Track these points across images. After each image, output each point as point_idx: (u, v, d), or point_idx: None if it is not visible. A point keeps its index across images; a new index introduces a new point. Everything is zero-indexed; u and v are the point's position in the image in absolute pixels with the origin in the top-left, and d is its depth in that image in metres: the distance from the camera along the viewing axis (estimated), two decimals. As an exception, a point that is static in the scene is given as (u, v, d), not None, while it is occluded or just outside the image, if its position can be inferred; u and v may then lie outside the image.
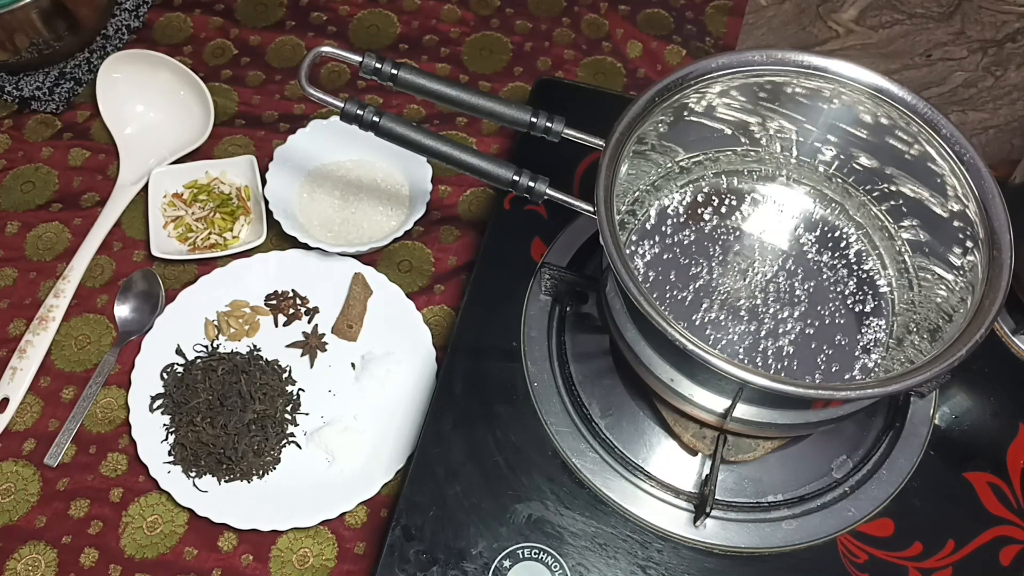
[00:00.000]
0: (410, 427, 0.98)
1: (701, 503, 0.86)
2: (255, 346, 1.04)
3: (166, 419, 0.99)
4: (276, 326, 1.06)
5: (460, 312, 1.00)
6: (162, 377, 1.01)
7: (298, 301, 1.07)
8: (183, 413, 0.98)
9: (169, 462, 0.96)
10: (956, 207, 0.83)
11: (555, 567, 0.84)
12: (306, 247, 1.06)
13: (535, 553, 0.85)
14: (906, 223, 0.90)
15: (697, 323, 0.88)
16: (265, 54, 1.29)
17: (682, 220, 0.94)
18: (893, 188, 0.90)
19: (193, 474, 0.95)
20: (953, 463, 0.91)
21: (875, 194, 0.92)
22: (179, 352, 1.03)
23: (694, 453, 0.89)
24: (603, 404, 0.93)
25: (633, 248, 0.92)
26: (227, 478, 0.96)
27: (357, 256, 1.09)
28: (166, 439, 0.97)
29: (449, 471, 0.88)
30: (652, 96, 0.83)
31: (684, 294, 0.90)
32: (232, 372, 1.00)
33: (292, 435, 0.99)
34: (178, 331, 1.04)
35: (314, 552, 0.93)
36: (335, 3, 1.34)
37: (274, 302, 1.07)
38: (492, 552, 0.84)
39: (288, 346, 1.05)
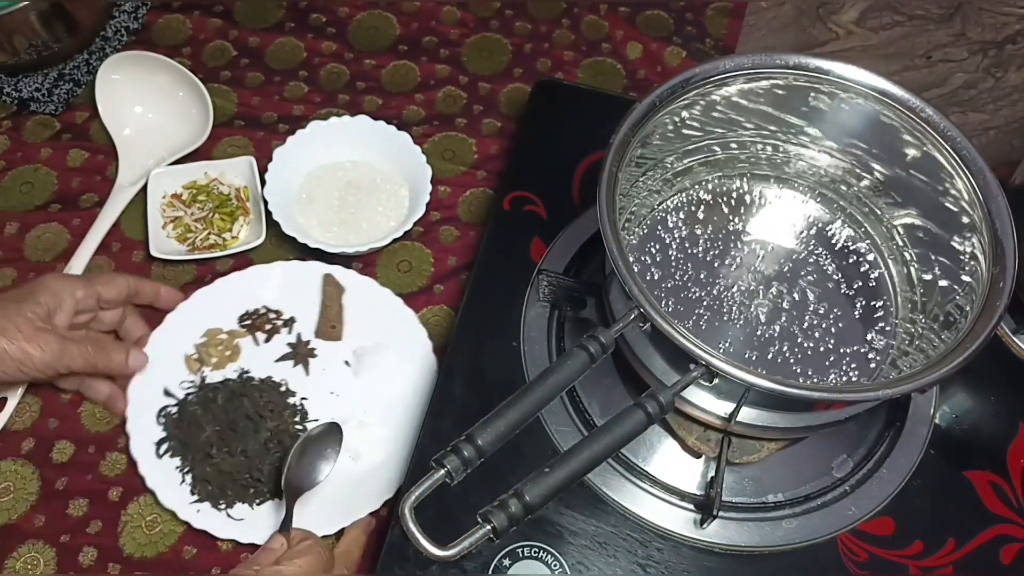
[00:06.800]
0: (421, 407, 0.98)
1: (707, 506, 0.86)
2: (243, 369, 1.03)
3: (177, 461, 0.97)
4: (257, 344, 1.05)
5: (460, 312, 1.00)
6: (159, 422, 0.99)
7: (272, 315, 1.06)
8: (194, 450, 0.96)
9: (196, 501, 0.94)
10: (959, 208, 0.83)
11: (555, 565, 0.84)
12: (305, 247, 1.06)
13: (535, 552, 0.84)
14: (908, 222, 0.90)
15: (700, 326, 0.88)
16: (264, 55, 1.29)
17: (683, 223, 0.94)
18: (894, 188, 0.90)
19: (223, 506, 0.94)
20: (954, 462, 0.90)
21: (876, 194, 0.92)
22: (168, 393, 1.01)
23: (698, 455, 0.89)
24: (603, 404, 0.93)
25: (635, 251, 0.92)
26: (258, 501, 0.95)
27: (356, 256, 1.09)
28: (183, 481, 0.96)
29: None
30: (655, 99, 0.83)
31: (686, 297, 0.89)
32: (232, 399, 0.99)
33: None
34: (160, 373, 1.02)
35: (313, 552, 0.93)
36: (334, 5, 1.34)
37: (249, 322, 1.06)
38: (492, 551, 0.84)
39: (277, 361, 1.04)
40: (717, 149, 0.94)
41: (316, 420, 1.00)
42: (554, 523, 0.86)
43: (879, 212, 0.92)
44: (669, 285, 0.90)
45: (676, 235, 0.93)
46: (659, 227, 0.94)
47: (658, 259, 0.91)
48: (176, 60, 1.20)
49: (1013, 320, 0.76)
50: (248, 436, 0.96)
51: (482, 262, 1.03)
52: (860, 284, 0.91)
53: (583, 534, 0.86)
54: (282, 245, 1.10)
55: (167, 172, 1.14)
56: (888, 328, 0.89)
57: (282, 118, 1.23)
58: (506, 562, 0.84)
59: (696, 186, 0.96)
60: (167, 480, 0.95)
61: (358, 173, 1.15)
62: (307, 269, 1.07)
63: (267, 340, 1.05)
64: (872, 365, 0.87)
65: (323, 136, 1.15)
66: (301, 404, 1.01)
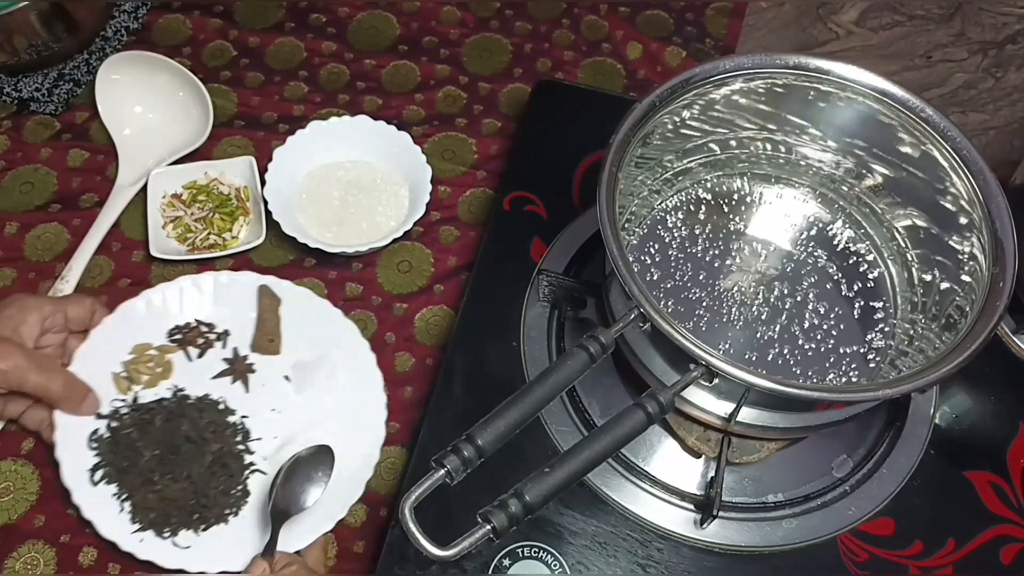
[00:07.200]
0: (372, 417, 0.96)
1: (707, 506, 0.86)
2: (177, 387, 0.98)
3: (113, 488, 0.91)
4: (190, 360, 1.00)
5: (460, 312, 1.00)
6: (91, 447, 0.93)
7: (203, 329, 1.01)
8: (133, 475, 0.91)
9: (138, 530, 0.89)
10: (959, 208, 0.83)
11: (555, 565, 0.84)
12: (305, 247, 1.06)
13: (535, 552, 0.84)
14: (908, 223, 0.90)
15: (700, 327, 0.88)
16: (264, 56, 1.29)
17: (683, 223, 0.94)
18: (894, 188, 0.90)
19: (167, 534, 0.89)
20: (954, 462, 0.90)
21: (876, 194, 0.92)
22: (98, 416, 0.94)
23: (698, 455, 0.89)
24: (603, 404, 0.93)
25: (635, 251, 0.92)
26: (204, 527, 0.90)
27: (356, 256, 1.09)
28: (123, 509, 0.90)
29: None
30: (655, 99, 0.84)
31: (686, 297, 0.90)
32: (170, 420, 0.94)
33: (252, 464, 0.94)
34: None
35: (313, 552, 0.92)
36: (334, 5, 1.34)
37: (179, 336, 1.00)
38: (492, 551, 0.84)
39: (214, 378, 0.99)
40: (717, 149, 0.95)
41: (259, 439, 0.96)
42: (554, 523, 0.86)
43: (879, 212, 0.92)
44: (669, 285, 0.90)
45: (676, 235, 0.93)
46: (659, 227, 0.94)
47: (658, 259, 0.91)
48: (176, 60, 1.20)
49: (1013, 320, 0.76)
50: (192, 460, 0.92)
51: (482, 262, 1.03)
52: (860, 285, 0.91)
53: (583, 534, 0.86)
54: (282, 245, 1.10)
55: (167, 172, 1.14)
56: (888, 328, 0.89)
57: (282, 118, 1.23)
58: (506, 562, 0.84)
59: (696, 186, 0.96)
60: (104, 509, 0.90)
61: (358, 173, 1.15)
62: (239, 280, 1.03)
63: (200, 355, 1.00)
64: (872, 365, 0.87)
65: (323, 136, 1.14)
66: (242, 423, 0.97)
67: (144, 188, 1.13)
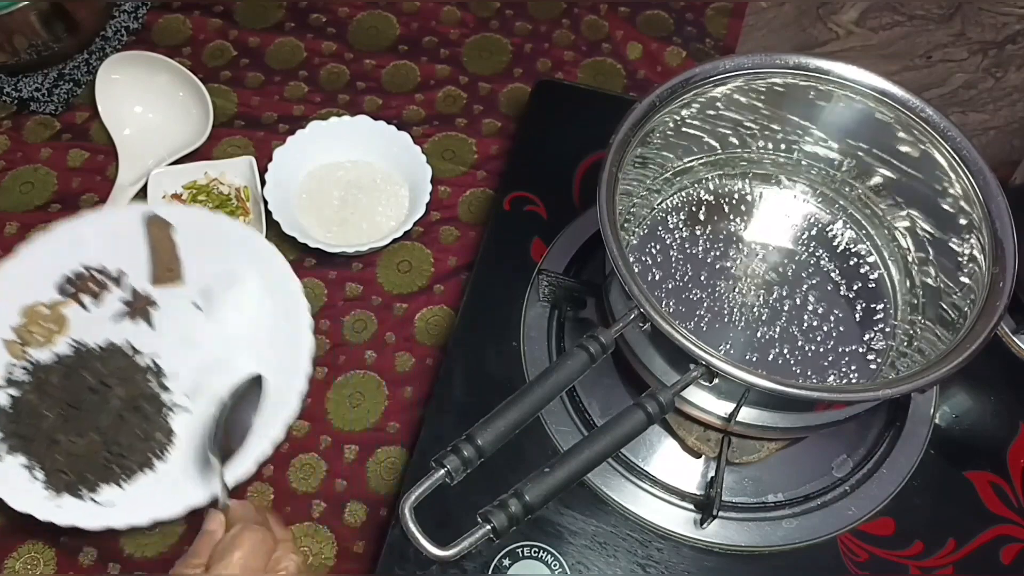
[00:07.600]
0: (295, 327, 0.94)
1: (707, 506, 0.86)
2: (76, 340, 0.93)
3: (22, 458, 0.86)
4: (87, 310, 0.96)
5: (460, 312, 1.00)
6: None
7: (95, 274, 0.97)
8: (39, 441, 0.86)
9: (54, 496, 0.85)
10: (959, 208, 0.83)
11: (554, 565, 0.84)
12: (305, 247, 1.06)
13: (535, 551, 0.84)
14: (908, 223, 0.90)
15: (701, 327, 0.88)
16: (264, 56, 1.29)
17: (684, 223, 0.94)
18: (894, 189, 0.90)
19: (85, 493, 0.85)
20: (954, 462, 0.90)
21: (877, 194, 0.92)
22: None
23: (698, 455, 0.89)
24: (603, 404, 0.93)
25: (635, 252, 0.92)
26: (124, 477, 0.87)
27: (357, 256, 1.09)
28: (35, 479, 0.86)
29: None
30: (655, 99, 0.83)
31: (687, 298, 0.89)
32: (69, 375, 0.89)
33: (173, 402, 0.91)
34: None
35: (314, 551, 0.92)
36: (334, 5, 1.34)
37: (71, 289, 0.96)
38: (492, 551, 0.84)
39: (114, 320, 0.95)
40: (717, 149, 0.95)
41: (176, 374, 0.92)
42: (554, 523, 0.86)
43: (880, 212, 0.92)
44: (669, 286, 0.90)
45: (676, 235, 0.93)
46: (659, 227, 0.94)
47: (658, 260, 0.91)
48: (176, 60, 1.20)
49: (1013, 320, 0.76)
50: (97, 411, 0.87)
51: (482, 262, 1.03)
52: (860, 285, 0.91)
53: (583, 534, 0.86)
54: (282, 245, 1.09)
55: (167, 172, 1.13)
56: (888, 329, 0.89)
57: (282, 118, 1.23)
58: (506, 562, 0.84)
59: (696, 185, 0.96)
60: (15, 483, 0.85)
61: (358, 173, 1.15)
62: (122, 216, 0.99)
63: (96, 303, 0.96)
64: (872, 366, 0.87)
65: (323, 136, 1.14)
66: (153, 363, 0.93)
67: (144, 188, 1.13)
